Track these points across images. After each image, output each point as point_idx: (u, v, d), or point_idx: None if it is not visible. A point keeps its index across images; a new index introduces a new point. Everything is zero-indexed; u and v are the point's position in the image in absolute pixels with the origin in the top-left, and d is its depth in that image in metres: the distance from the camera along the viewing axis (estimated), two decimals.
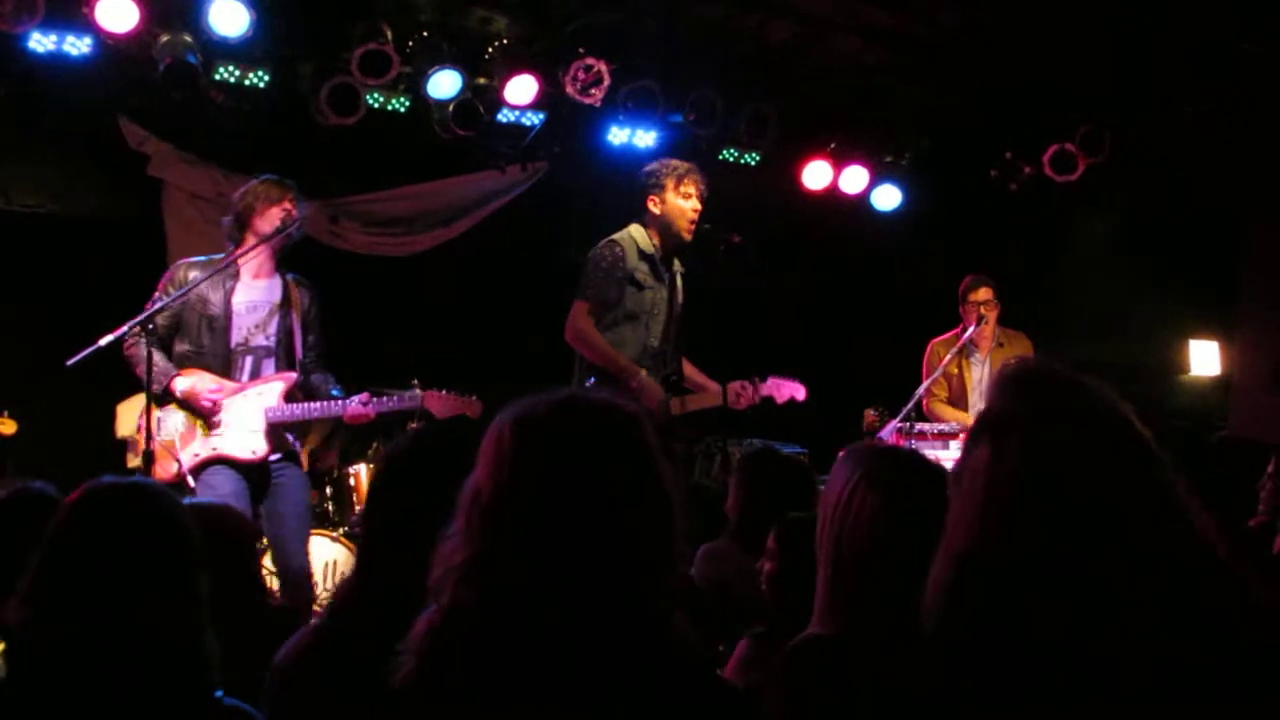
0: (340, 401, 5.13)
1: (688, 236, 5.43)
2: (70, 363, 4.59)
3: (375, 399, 5.14)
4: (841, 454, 2.34)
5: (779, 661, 2.17)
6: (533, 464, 1.71)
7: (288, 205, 5.11)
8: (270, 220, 5.08)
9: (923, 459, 2.35)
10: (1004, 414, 1.71)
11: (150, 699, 1.86)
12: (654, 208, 5.46)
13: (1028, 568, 1.60)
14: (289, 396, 5.10)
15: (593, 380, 5.31)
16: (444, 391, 5.29)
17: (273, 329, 5.16)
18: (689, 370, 5.56)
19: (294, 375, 5.15)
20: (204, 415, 4.98)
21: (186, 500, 3.76)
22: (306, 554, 5.19)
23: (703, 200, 5.45)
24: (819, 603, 2.21)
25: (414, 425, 6.30)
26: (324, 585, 5.94)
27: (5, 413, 5.27)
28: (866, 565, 2.15)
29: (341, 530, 6.30)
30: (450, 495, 2.21)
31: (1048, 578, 1.59)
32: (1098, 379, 1.75)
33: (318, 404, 5.14)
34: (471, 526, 1.71)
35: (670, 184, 5.42)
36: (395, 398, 5.20)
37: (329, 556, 6.16)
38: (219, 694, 1.93)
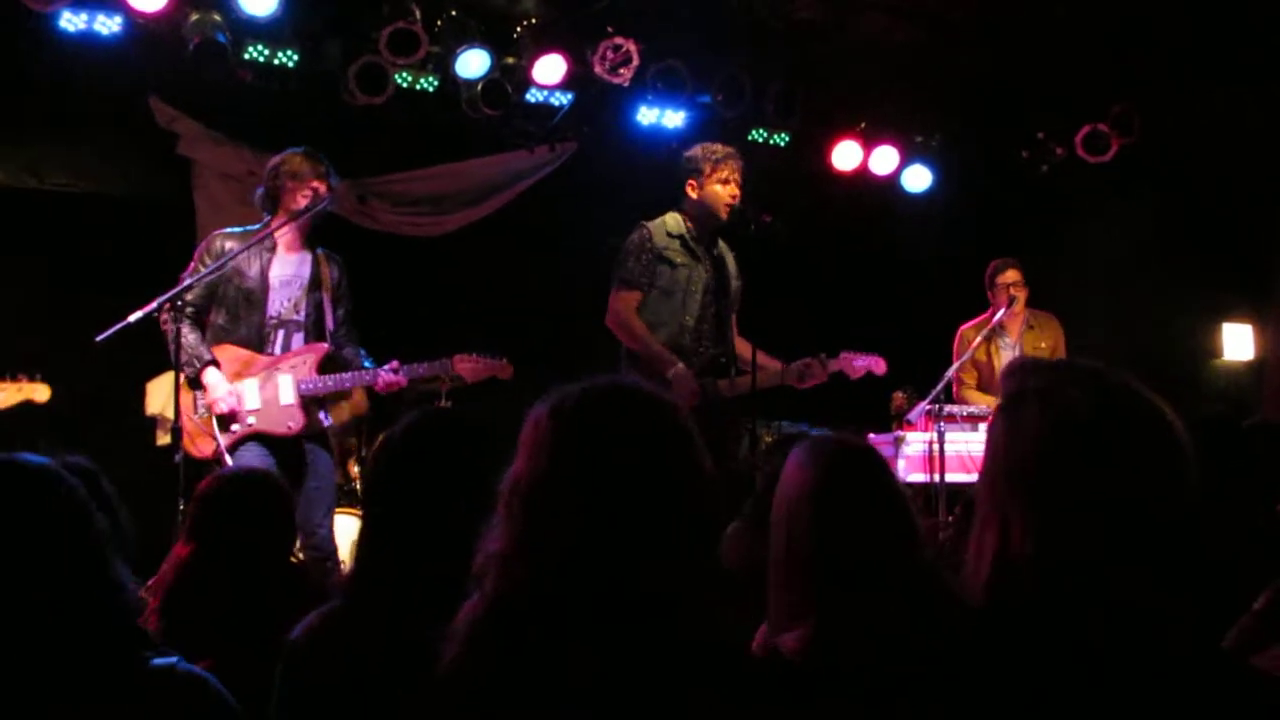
0: (372, 371, 5.20)
1: (724, 217, 5.43)
2: (100, 338, 4.63)
3: (405, 366, 5.21)
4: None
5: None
6: (569, 452, 1.70)
7: (316, 184, 5.17)
8: (299, 200, 5.15)
9: (850, 441, 2.33)
10: (1017, 392, 1.72)
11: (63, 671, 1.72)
12: (691, 192, 5.48)
13: (1050, 533, 1.60)
14: (321, 368, 5.18)
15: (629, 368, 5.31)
16: (473, 355, 5.36)
17: (304, 303, 5.24)
18: (747, 350, 5.53)
19: (325, 346, 5.24)
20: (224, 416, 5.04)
21: (229, 468, 3.76)
22: (332, 533, 5.28)
23: (740, 185, 5.45)
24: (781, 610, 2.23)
25: (442, 405, 6.33)
26: (349, 563, 5.97)
27: (39, 376, 5.24)
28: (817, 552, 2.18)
29: None
30: (447, 478, 2.22)
31: (1070, 544, 1.60)
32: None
33: (349, 374, 5.23)
34: (512, 515, 1.71)
35: (708, 169, 5.43)
36: (425, 365, 5.27)
37: (355, 535, 6.17)
38: (163, 661, 1.81)
